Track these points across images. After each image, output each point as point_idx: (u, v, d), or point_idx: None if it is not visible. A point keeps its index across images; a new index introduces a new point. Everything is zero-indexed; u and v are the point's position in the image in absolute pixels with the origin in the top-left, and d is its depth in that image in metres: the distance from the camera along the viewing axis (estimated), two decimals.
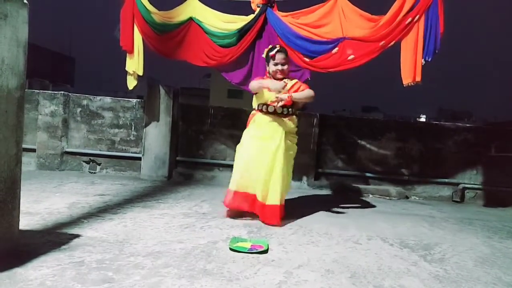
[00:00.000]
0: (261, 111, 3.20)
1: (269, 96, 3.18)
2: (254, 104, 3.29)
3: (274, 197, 2.99)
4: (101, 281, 1.74)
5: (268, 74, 3.30)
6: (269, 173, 3.02)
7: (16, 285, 1.64)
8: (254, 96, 3.31)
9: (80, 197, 3.46)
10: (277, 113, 3.15)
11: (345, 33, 3.83)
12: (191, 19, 4.27)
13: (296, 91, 3.20)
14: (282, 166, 3.02)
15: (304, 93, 3.22)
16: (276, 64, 3.22)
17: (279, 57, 3.21)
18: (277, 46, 3.33)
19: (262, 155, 3.06)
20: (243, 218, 3.08)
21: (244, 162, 3.11)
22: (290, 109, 3.19)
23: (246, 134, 3.25)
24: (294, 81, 3.31)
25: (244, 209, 3.09)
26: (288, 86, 3.17)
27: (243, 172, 3.10)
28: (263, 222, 2.98)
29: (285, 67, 3.25)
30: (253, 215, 3.07)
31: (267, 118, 3.18)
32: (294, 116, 3.28)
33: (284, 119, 3.18)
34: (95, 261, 1.96)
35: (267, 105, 3.18)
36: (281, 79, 3.23)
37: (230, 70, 4.33)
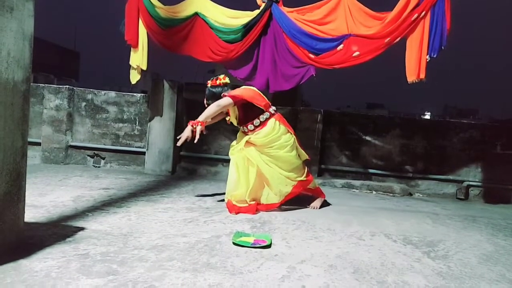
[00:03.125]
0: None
1: (231, 118, 3.32)
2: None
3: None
4: (106, 273, 1.76)
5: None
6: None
7: (21, 276, 1.66)
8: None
9: (85, 190, 3.48)
10: (244, 131, 3.27)
11: (351, 30, 3.81)
12: (196, 14, 4.26)
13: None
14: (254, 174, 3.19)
15: (205, 112, 3.24)
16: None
17: None
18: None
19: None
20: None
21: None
22: (249, 125, 3.19)
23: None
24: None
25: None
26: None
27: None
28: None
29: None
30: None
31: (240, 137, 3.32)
32: (264, 128, 3.15)
33: (250, 134, 3.19)
34: (99, 254, 1.98)
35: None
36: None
37: (235, 65, 4.33)
